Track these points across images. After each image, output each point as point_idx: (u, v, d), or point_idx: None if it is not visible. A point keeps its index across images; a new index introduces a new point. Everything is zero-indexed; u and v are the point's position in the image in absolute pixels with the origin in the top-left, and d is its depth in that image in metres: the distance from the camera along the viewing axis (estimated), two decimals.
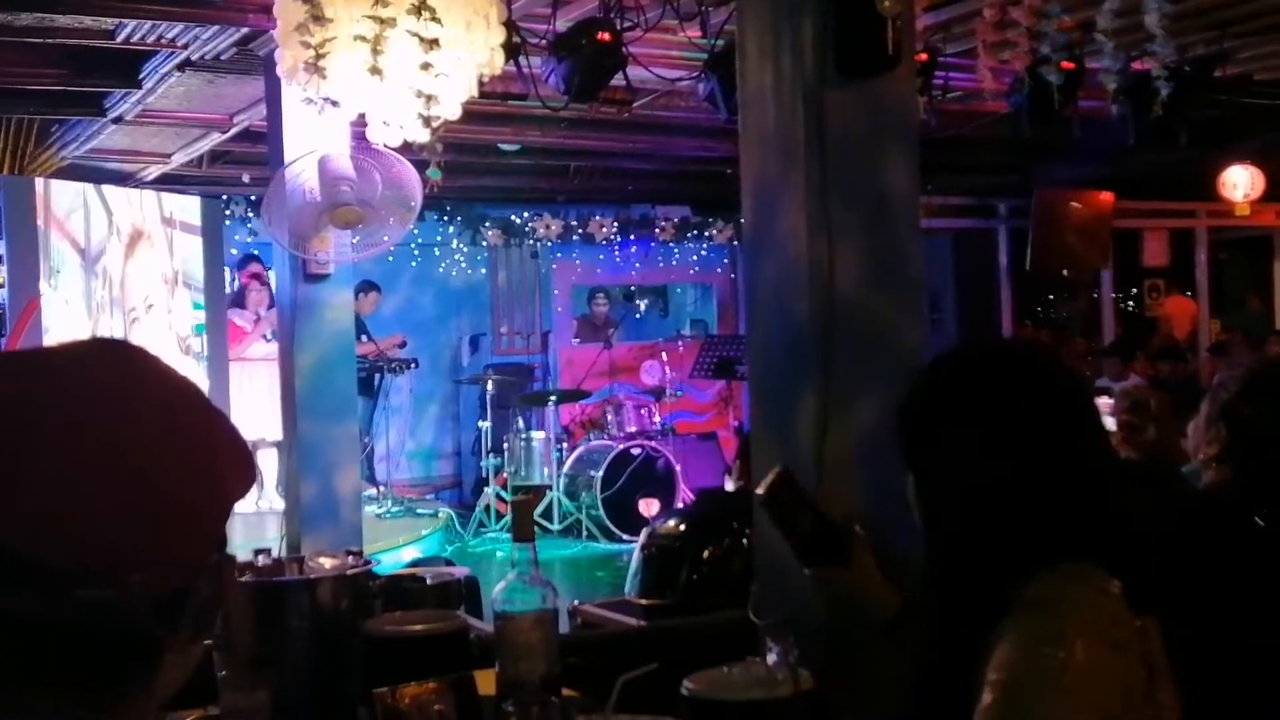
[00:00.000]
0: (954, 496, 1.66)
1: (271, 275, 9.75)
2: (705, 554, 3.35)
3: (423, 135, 3.65)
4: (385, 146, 4.22)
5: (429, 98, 3.52)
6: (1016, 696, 1.52)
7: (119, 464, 0.93)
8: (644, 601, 3.37)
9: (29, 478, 0.91)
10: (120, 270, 8.75)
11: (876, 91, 2.57)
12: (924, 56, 5.12)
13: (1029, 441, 1.64)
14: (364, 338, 10.59)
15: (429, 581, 2.63)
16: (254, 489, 7.78)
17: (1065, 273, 11.69)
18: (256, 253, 9.89)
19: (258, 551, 2.24)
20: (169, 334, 8.84)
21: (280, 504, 7.58)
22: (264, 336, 8.69)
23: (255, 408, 8.70)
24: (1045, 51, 4.76)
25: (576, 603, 3.72)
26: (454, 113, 3.71)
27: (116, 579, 0.92)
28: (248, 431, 8.77)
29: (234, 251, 10.08)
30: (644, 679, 1.83)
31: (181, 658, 1.01)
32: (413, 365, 10.37)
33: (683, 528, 3.48)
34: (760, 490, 2.00)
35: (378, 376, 10.32)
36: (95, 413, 0.95)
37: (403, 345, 10.47)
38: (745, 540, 3.25)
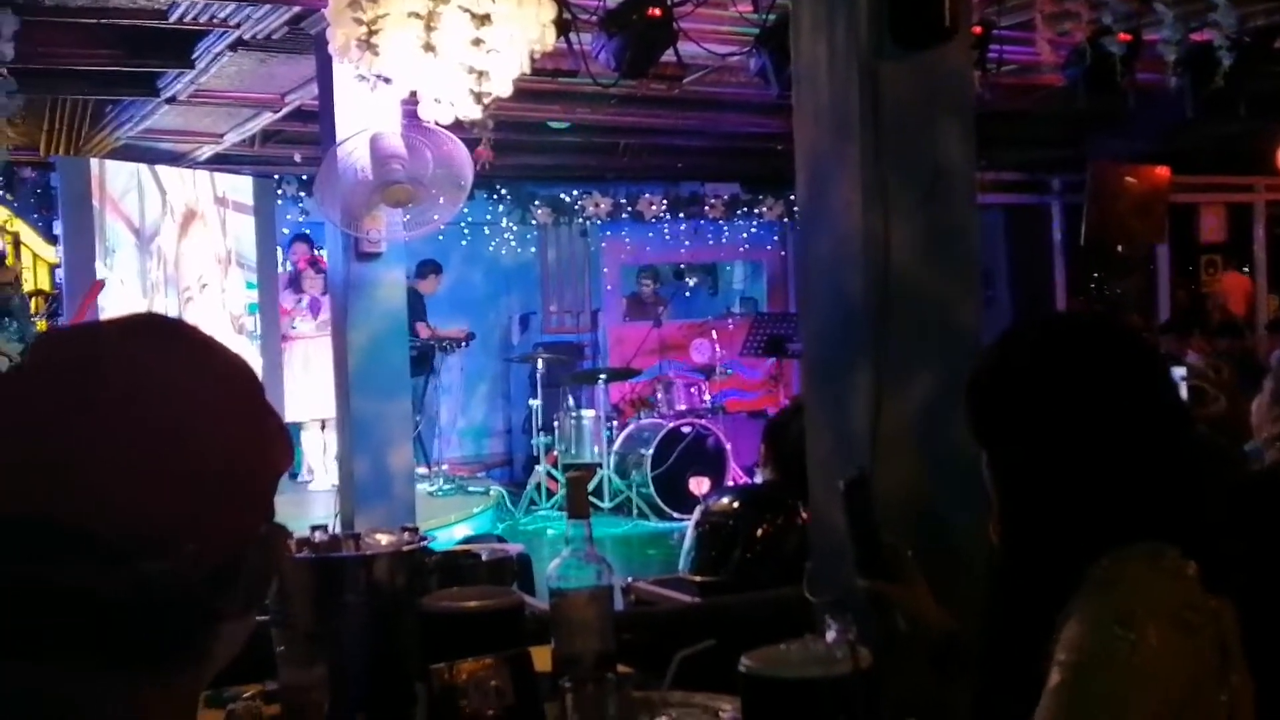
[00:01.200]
0: (1028, 473, 1.64)
1: (323, 254, 9.82)
2: (759, 531, 3.33)
3: (474, 112, 3.65)
4: (436, 124, 4.22)
5: (480, 74, 3.51)
6: (1084, 678, 1.50)
7: (171, 435, 0.94)
8: (698, 578, 3.36)
9: (83, 451, 0.91)
10: (174, 250, 8.83)
11: (932, 64, 2.54)
12: (979, 29, 5.05)
13: (1108, 417, 1.61)
14: (425, 323, 10.65)
15: (484, 558, 2.64)
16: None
17: (1120, 248, 11.53)
18: (308, 232, 9.94)
19: (314, 528, 2.25)
20: (222, 313, 8.92)
21: (326, 482, 7.66)
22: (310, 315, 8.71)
23: (304, 387, 8.77)
24: (1106, 22, 4.68)
25: (630, 580, 3.71)
26: (505, 90, 3.70)
27: (171, 550, 0.92)
28: (298, 411, 8.91)
29: (285, 231, 10.14)
30: (699, 656, 1.82)
31: (235, 629, 1.01)
32: (464, 344, 10.41)
33: (736, 505, 3.46)
34: (841, 484, 1.97)
35: (430, 355, 10.37)
36: (147, 385, 0.95)
37: (470, 337, 10.45)
38: (800, 518, 3.23)
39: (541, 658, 2.02)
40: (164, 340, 1.00)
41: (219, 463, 0.96)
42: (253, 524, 1.00)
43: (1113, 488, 1.60)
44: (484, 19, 3.46)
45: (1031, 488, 1.64)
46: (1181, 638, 1.50)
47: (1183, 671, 1.50)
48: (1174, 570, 1.54)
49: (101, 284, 7.76)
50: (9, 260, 7.29)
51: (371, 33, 3.51)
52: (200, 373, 0.99)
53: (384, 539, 2.20)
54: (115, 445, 0.92)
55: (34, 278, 8.16)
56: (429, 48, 3.48)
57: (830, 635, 1.76)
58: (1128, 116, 6.61)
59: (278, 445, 1.03)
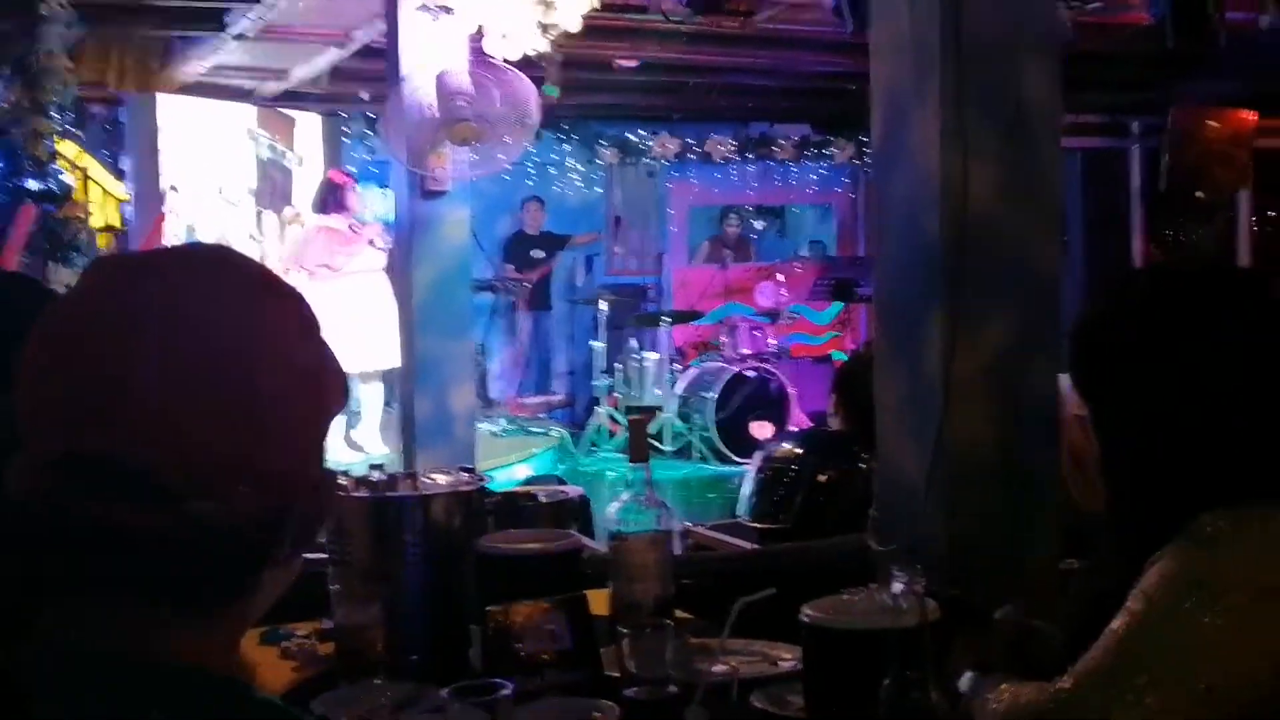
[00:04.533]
0: (1135, 426, 1.57)
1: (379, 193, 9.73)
2: (822, 478, 3.27)
3: (541, 44, 3.57)
4: (503, 61, 4.16)
5: (547, 4, 3.43)
6: (1145, 629, 1.44)
7: (227, 373, 0.91)
8: (758, 525, 3.31)
9: (137, 386, 0.89)
10: (239, 189, 8.87)
11: None
12: None
13: (1220, 369, 1.53)
14: (539, 251, 10.70)
15: (542, 500, 2.61)
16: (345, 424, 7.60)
17: (1200, 195, 11.26)
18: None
19: (372, 466, 2.23)
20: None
21: (379, 449, 7.50)
22: (371, 242, 7.94)
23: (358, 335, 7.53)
24: None
25: (689, 524, 3.68)
26: (574, 24, 3.63)
27: (223, 490, 0.90)
28: (352, 362, 8.54)
29: (350, 169, 10.14)
30: (759, 603, 1.78)
31: (282, 572, 1.00)
32: (531, 283, 10.43)
33: (799, 450, 3.40)
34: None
35: (493, 296, 10.39)
36: (204, 320, 0.92)
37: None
38: (863, 465, 3.16)
39: (599, 602, 1.99)
40: (219, 273, 0.97)
41: (273, 403, 0.93)
42: (306, 467, 0.98)
43: (1223, 443, 1.52)
44: None
45: (1138, 440, 1.57)
46: (1270, 613, 1.42)
47: (1260, 646, 1.42)
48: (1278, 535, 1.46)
49: (163, 218, 7.80)
50: (78, 195, 7.33)
51: None
52: (257, 310, 0.96)
53: (441, 479, 2.17)
54: (167, 382, 0.89)
55: (103, 213, 8.21)
56: None
57: (896, 586, 1.70)
58: (1215, 57, 6.40)
59: (332, 386, 1.00)
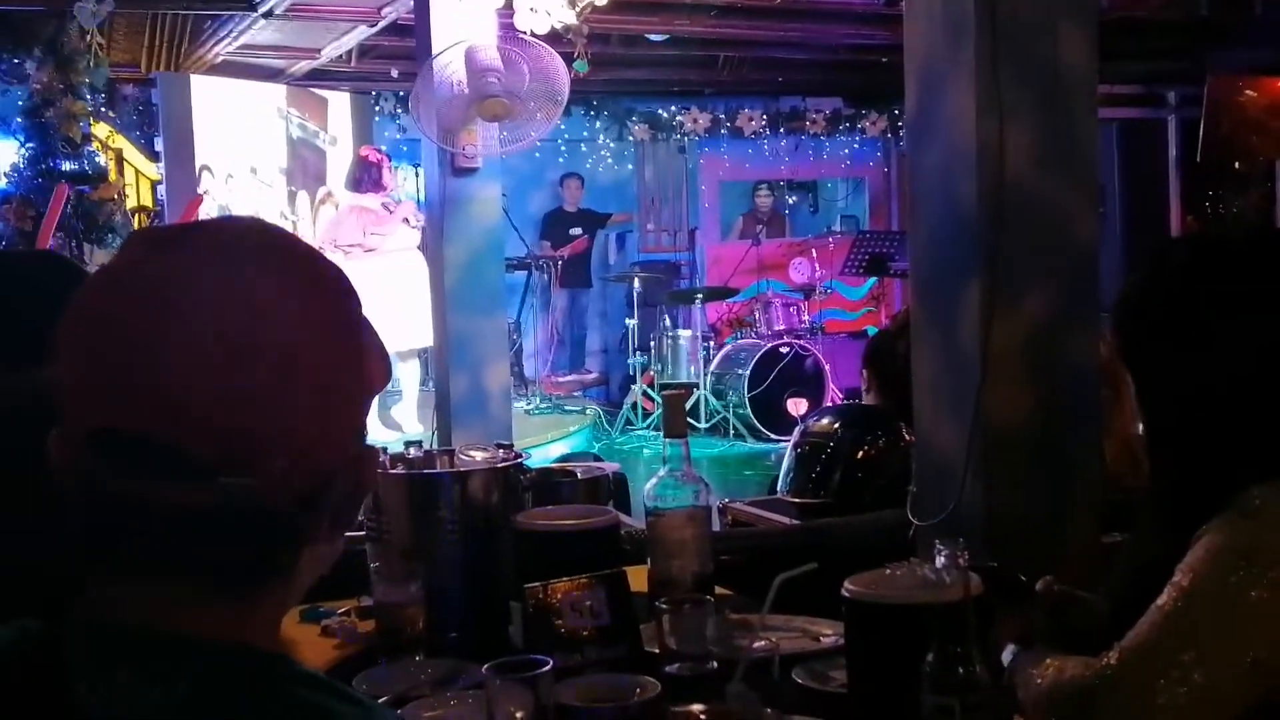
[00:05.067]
0: (1180, 397, 1.55)
1: (412, 171, 9.72)
2: (860, 453, 3.25)
3: (569, 17, 3.55)
4: (533, 36, 4.14)
5: None
6: (1191, 605, 1.43)
7: (263, 347, 0.90)
8: (797, 500, 3.30)
9: (171, 361, 0.88)
10: (271, 169, 8.89)
11: None
12: None
13: (1265, 339, 1.51)
14: (577, 229, 10.72)
15: (580, 476, 2.60)
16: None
17: (1238, 165, 11.13)
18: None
19: (409, 444, 2.23)
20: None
21: (415, 428, 7.46)
22: (406, 220, 7.85)
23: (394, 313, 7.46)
24: None
25: (726, 500, 3.66)
26: None
27: (259, 466, 0.89)
28: (389, 341, 8.46)
29: (381, 148, 10.15)
30: (799, 579, 1.76)
31: (322, 550, 0.99)
32: (559, 263, 10.42)
33: (837, 426, 3.38)
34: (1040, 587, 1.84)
35: (526, 274, 10.38)
36: (239, 295, 0.91)
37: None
38: (903, 440, 3.14)
39: (637, 578, 1.99)
40: (259, 247, 0.95)
41: (310, 379, 0.91)
42: (344, 444, 0.96)
43: (1268, 414, 1.50)
44: None
45: (1183, 413, 1.55)
46: None
47: None
48: None
49: (200, 199, 7.81)
50: (111, 176, 7.37)
51: None
52: (295, 284, 0.94)
53: (478, 455, 2.17)
54: (202, 356, 0.88)
55: (136, 194, 8.26)
56: None
57: (939, 560, 1.68)
58: (1251, 25, 6.31)
59: (373, 362, 0.98)
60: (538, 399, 9.70)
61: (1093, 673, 1.48)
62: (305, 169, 9.19)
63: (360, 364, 0.97)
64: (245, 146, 8.66)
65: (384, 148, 8.66)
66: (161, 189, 8.39)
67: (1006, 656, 1.62)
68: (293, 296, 0.93)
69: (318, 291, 0.96)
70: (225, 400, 0.88)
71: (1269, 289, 1.55)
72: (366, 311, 1.00)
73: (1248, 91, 10.38)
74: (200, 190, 8.14)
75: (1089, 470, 2.40)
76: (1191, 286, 1.58)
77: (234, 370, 0.88)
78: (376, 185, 7.91)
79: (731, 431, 9.19)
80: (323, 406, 0.93)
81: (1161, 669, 1.42)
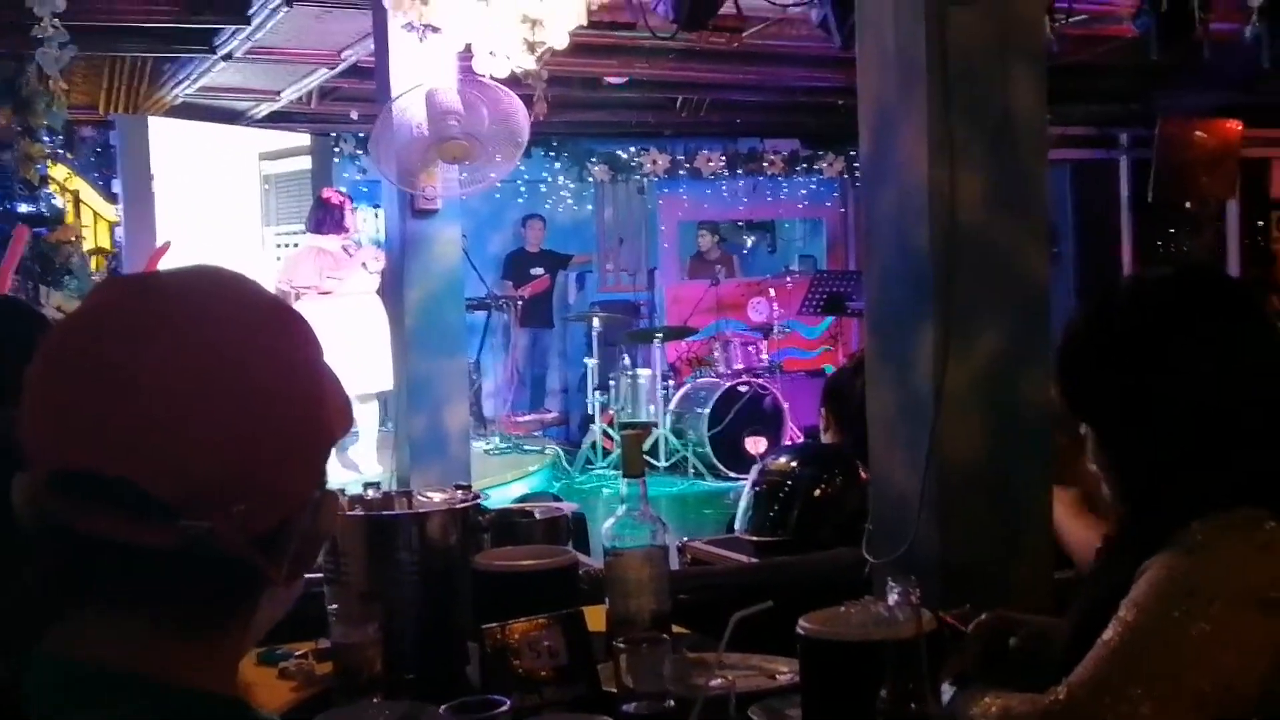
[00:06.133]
0: (1126, 436, 1.58)
1: (371, 212, 9.72)
2: (818, 491, 3.27)
3: (528, 62, 3.59)
4: (492, 79, 4.17)
5: (534, 22, 3.45)
6: (1135, 641, 1.45)
7: (227, 392, 0.92)
8: (755, 538, 3.31)
9: (136, 403, 0.90)
10: (231, 209, 8.87)
11: (1002, 10, 2.45)
12: None
13: (1202, 376, 1.54)
14: (539, 269, 10.74)
15: (538, 517, 2.61)
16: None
17: (1189, 205, 11.30)
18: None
19: (367, 485, 2.23)
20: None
21: (374, 469, 7.39)
22: (363, 265, 7.74)
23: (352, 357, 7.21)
24: None
25: (685, 539, 3.67)
26: (561, 41, 3.64)
27: (219, 509, 0.90)
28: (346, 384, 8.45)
29: (343, 190, 10.16)
30: (756, 617, 1.78)
31: (280, 593, 1.00)
32: (519, 302, 10.44)
33: (794, 464, 3.39)
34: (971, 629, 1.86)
35: (486, 314, 10.39)
36: (204, 340, 0.93)
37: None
38: (860, 478, 3.17)
39: (596, 618, 1.99)
40: (222, 295, 0.98)
41: (272, 424, 0.93)
42: (305, 489, 0.98)
43: (1208, 452, 1.53)
44: None
45: (1129, 450, 1.58)
46: (1259, 618, 1.43)
47: (1252, 654, 1.43)
48: (1268, 543, 1.47)
49: (168, 246, 7.77)
50: (69, 218, 7.34)
51: None
52: (256, 331, 0.96)
53: (437, 497, 2.17)
54: (166, 400, 0.89)
55: (94, 236, 8.21)
56: None
57: (892, 598, 1.71)
58: (1200, 69, 6.43)
59: (333, 409, 1.00)
60: (497, 439, 9.68)
61: (1040, 709, 1.50)
62: (271, 209, 9.17)
63: (320, 410, 0.98)
64: (208, 187, 8.63)
65: (344, 189, 8.65)
66: (119, 231, 8.35)
67: (945, 696, 1.64)
68: (254, 343, 0.95)
69: (279, 339, 0.97)
70: (186, 444, 0.89)
71: (1203, 325, 1.58)
72: (325, 355, 1.02)
73: (1198, 133, 10.56)
74: (165, 237, 8.09)
75: (1040, 507, 2.43)
76: (1127, 328, 1.61)
77: (196, 414, 0.90)
78: (338, 227, 7.84)
79: (691, 470, 9.20)
80: (283, 451, 0.94)
81: (1110, 704, 1.44)
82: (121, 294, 0.98)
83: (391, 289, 5.62)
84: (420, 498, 2.19)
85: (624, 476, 2.05)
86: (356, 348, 7.12)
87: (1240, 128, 10.63)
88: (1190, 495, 1.52)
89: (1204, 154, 10.56)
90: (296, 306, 7.22)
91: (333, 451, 1.04)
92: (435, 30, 3.61)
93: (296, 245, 8.51)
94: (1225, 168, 10.73)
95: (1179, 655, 1.43)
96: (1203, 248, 12.01)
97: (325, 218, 7.82)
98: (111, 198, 8.58)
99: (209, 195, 8.68)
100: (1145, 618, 1.46)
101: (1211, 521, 1.49)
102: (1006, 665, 1.68)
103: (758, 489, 3.39)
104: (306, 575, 1.02)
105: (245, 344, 0.94)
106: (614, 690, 1.77)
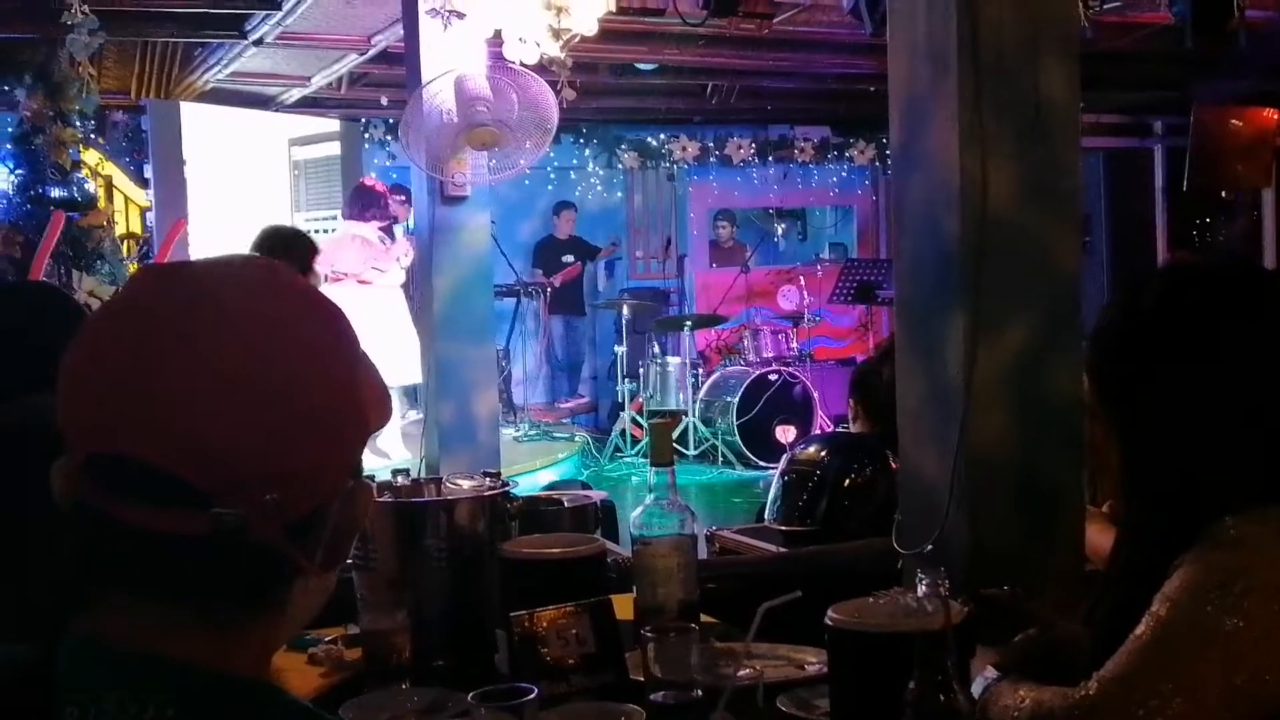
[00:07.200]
0: (1157, 430, 1.56)
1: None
2: (847, 481, 3.26)
3: (554, 49, 3.58)
4: (521, 65, 4.17)
5: (560, 9, 3.43)
6: (1168, 635, 1.44)
7: (262, 380, 0.92)
8: (783, 528, 3.31)
9: (170, 391, 0.90)
10: (260, 194, 8.91)
11: None
12: None
13: (1239, 368, 1.53)
14: (569, 256, 10.75)
15: (566, 504, 2.61)
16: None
17: (1224, 193, 11.20)
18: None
19: (396, 472, 2.24)
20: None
21: (402, 454, 7.40)
22: (398, 260, 7.75)
23: (376, 348, 8.04)
24: None
25: (714, 528, 3.67)
26: (588, 27, 3.63)
27: (252, 497, 0.91)
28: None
29: (373, 175, 10.18)
30: (784, 607, 1.78)
31: (315, 583, 1.00)
32: (549, 289, 10.45)
33: (824, 453, 3.39)
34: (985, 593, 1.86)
35: (515, 301, 10.40)
36: (241, 328, 0.94)
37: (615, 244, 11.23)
38: (890, 468, 3.16)
39: (623, 606, 2.00)
40: (261, 284, 0.98)
41: (306, 413, 0.93)
42: (338, 479, 0.98)
43: (1245, 444, 1.51)
44: None
45: (1160, 444, 1.57)
46: None
47: None
48: None
49: (183, 223, 7.80)
50: (100, 203, 7.38)
51: None
52: (296, 321, 0.96)
53: (465, 484, 2.18)
54: (201, 388, 0.90)
55: (125, 221, 8.26)
56: None
57: (921, 588, 1.70)
58: (1236, 56, 6.37)
59: (372, 401, 1.00)
60: (526, 426, 9.70)
61: (1072, 703, 1.50)
62: (302, 195, 9.20)
63: (356, 401, 0.98)
64: (239, 172, 8.67)
65: (374, 175, 8.67)
66: (151, 215, 8.40)
67: (978, 688, 1.63)
68: (290, 333, 0.95)
69: (316, 329, 0.98)
70: (220, 431, 0.90)
71: (1243, 318, 1.57)
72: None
73: (1234, 121, 10.46)
74: (186, 216, 8.13)
75: (1071, 498, 2.41)
76: (1164, 318, 1.60)
77: (230, 403, 0.90)
78: (384, 215, 7.74)
79: (720, 459, 9.19)
80: (317, 441, 0.95)
81: (1141, 698, 1.43)
82: (158, 283, 0.98)
83: (420, 275, 5.62)
84: (449, 485, 2.19)
85: (652, 465, 2.05)
86: (383, 339, 7.13)
87: (1277, 116, 10.52)
88: (1223, 489, 1.51)
89: (1239, 142, 10.46)
90: (329, 291, 7.26)
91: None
92: (460, 16, 3.60)
93: (327, 231, 8.55)
94: (1261, 156, 10.62)
95: (1212, 650, 1.42)
96: (1237, 236, 11.91)
97: (370, 205, 7.77)
98: (143, 182, 8.63)
99: (239, 180, 8.71)
100: (1177, 613, 1.45)
101: (1245, 516, 1.48)
102: (1040, 664, 1.67)
103: (787, 478, 3.39)
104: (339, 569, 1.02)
105: (281, 333, 0.94)
106: (641, 679, 1.77)
